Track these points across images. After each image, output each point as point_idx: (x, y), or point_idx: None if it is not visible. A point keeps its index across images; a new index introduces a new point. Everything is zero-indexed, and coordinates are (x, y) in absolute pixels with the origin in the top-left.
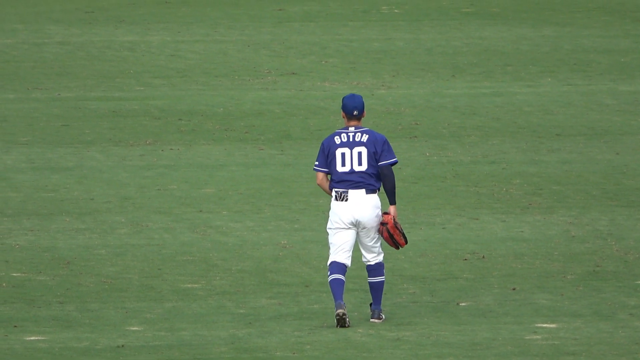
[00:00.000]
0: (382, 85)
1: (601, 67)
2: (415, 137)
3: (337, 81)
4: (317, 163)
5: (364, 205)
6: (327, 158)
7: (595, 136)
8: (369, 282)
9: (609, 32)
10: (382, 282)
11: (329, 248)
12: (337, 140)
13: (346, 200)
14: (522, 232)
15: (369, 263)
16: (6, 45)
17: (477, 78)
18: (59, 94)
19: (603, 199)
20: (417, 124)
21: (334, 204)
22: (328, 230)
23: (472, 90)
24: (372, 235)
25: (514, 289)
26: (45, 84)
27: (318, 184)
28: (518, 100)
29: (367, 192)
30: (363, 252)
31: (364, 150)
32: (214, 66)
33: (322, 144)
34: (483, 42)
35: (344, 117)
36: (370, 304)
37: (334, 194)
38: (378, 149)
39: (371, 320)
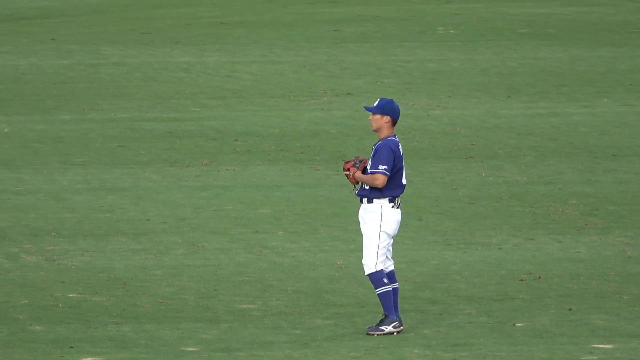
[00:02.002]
0: (438, 106)
1: None
2: (471, 157)
3: None
4: (386, 167)
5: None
6: (394, 167)
7: None
8: (394, 287)
9: None
10: None
11: (376, 251)
12: (400, 151)
13: (399, 207)
14: (578, 252)
15: (391, 268)
16: (62, 66)
17: (532, 98)
18: (115, 115)
19: None
20: (473, 145)
21: (391, 210)
22: (380, 234)
23: (528, 111)
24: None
25: (570, 310)
26: (101, 104)
27: (379, 185)
28: (574, 121)
29: None
30: (386, 260)
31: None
32: (270, 87)
33: (393, 151)
34: (539, 63)
35: (386, 123)
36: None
37: (388, 201)
38: None
39: (401, 328)
